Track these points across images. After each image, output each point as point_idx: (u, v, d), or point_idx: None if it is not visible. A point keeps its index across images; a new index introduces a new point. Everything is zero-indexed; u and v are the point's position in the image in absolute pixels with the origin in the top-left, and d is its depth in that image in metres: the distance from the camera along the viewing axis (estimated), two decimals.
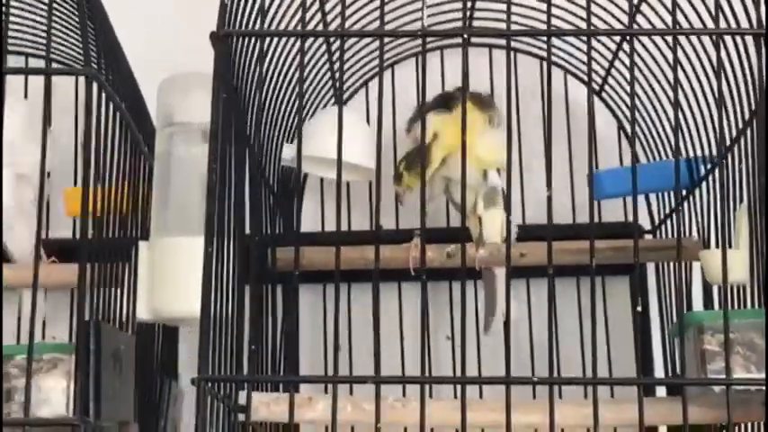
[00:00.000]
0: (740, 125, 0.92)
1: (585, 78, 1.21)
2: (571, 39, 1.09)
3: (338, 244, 0.78)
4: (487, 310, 1.11)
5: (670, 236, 1.14)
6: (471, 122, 1.00)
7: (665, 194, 1.15)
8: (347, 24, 1.08)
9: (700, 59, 0.97)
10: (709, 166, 1.02)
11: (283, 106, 1.05)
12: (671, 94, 1.05)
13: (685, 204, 1.08)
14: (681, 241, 0.77)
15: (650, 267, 1.18)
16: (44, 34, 1.14)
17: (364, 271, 1.04)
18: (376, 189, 0.78)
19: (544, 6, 0.81)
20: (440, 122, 1.00)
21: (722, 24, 0.81)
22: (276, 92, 1.01)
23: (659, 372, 1.13)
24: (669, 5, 0.89)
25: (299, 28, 0.78)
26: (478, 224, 1.06)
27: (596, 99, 1.23)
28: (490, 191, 1.05)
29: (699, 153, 1.05)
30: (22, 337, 1.06)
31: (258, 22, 0.79)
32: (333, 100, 1.21)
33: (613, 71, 1.17)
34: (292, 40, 0.92)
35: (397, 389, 0.87)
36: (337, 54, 1.10)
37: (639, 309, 0.73)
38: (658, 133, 1.14)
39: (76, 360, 0.74)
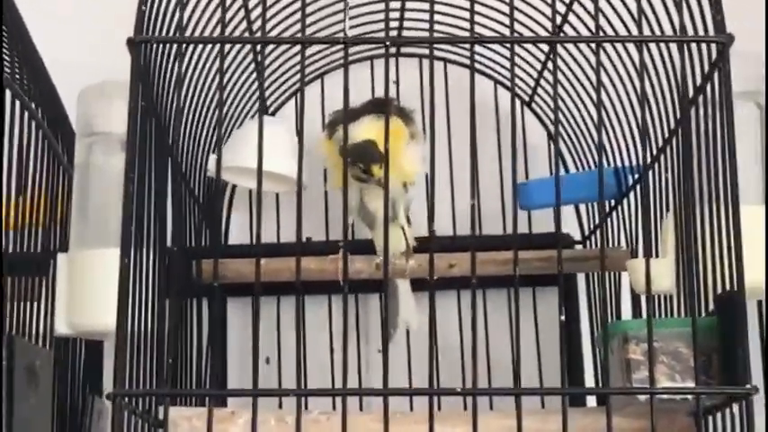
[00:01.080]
0: (666, 134, 0.91)
1: (516, 89, 1.21)
2: (497, 47, 1.09)
3: (258, 257, 0.76)
4: (390, 323, 1.10)
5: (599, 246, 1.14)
6: (398, 134, 1.00)
7: (595, 204, 1.15)
8: (274, 33, 1.07)
9: (625, 66, 0.97)
10: (636, 176, 1.02)
11: (209, 116, 1.04)
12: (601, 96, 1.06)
13: (614, 214, 1.09)
14: (604, 251, 0.76)
15: (580, 278, 1.18)
16: None
17: (293, 283, 1.04)
18: (297, 200, 0.76)
19: (468, 15, 0.80)
20: (375, 128, 0.97)
21: (646, 31, 0.81)
22: (201, 101, 0.99)
23: (590, 382, 1.13)
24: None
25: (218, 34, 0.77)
26: (403, 235, 1.05)
27: (526, 110, 1.23)
28: (407, 204, 1.05)
29: (627, 163, 1.05)
30: None
31: (177, 28, 0.77)
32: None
33: (542, 82, 1.16)
34: (218, 46, 0.91)
35: (327, 402, 0.86)
36: (267, 64, 1.10)
37: (563, 318, 0.72)
38: (587, 143, 1.14)
39: None
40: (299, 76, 1.20)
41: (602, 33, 0.78)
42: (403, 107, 1.04)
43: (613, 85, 1.00)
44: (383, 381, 0.73)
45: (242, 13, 0.98)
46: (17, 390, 0.75)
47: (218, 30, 0.87)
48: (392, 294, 1.10)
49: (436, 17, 1.09)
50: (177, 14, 0.78)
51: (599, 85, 0.76)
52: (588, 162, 1.16)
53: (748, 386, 0.70)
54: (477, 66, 1.19)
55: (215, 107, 1.03)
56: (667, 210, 0.91)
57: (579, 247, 1.19)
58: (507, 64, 1.17)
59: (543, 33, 1.06)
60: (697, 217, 0.80)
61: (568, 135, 1.17)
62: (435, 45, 1.09)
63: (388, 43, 0.74)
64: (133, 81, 0.74)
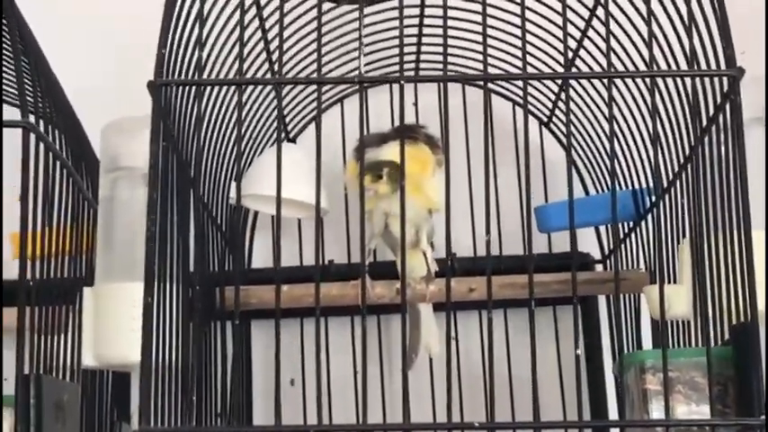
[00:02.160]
0: (681, 160, 0.92)
1: (535, 111, 1.22)
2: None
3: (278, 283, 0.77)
4: (410, 348, 1.11)
5: (620, 266, 1.14)
6: (426, 162, 1.01)
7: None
8: (294, 66, 1.09)
9: (642, 94, 0.98)
10: (654, 198, 1.03)
11: (230, 146, 1.05)
12: (616, 128, 1.07)
13: (633, 235, 1.09)
14: (618, 278, 0.79)
15: (601, 300, 1.19)
16: None
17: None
18: (315, 226, 0.78)
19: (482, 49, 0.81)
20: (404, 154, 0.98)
21: (659, 58, 0.82)
22: (222, 132, 1.01)
23: (613, 407, 1.13)
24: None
25: (237, 76, 0.78)
26: (424, 259, 1.06)
27: (545, 130, 1.24)
28: (430, 229, 1.06)
29: (644, 185, 1.06)
30: None
31: (196, 69, 0.79)
32: (283, 136, 1.21)
33: (560, 103, 1.17)
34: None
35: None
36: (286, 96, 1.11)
37: (579, 352, 0.73)
38: (605, 164, 1.15)
39: (16, 416, 0.74)
40: (316, 102, 1.23)
41: (613, 69, 0.78)
42: (431, 135, 1.05)
43: (630, 111, 1.01)
44: (403, 413, 0.74)
45: (261, 45, 1.00)
46: (45, 426, 0.77)
47: (237, 66, 0.89)
48: (414, 319, 1.11)
49: (451, 46, 1.12)
50: (196, 55, 0.80)
51: (611, 117, 0.77)
52: (608, 183, 1.16)
53: (763, 417, 0.71)
54: (493, 87, 1.20)
55: (235, 139, 1.05)
56: (683, 235, 0.91)
57: (599, 267, 1.20)
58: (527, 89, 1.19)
59: (559, 56, 1.08)
60: (711, 244, 0.81)
61: (587, 156, 1.18)
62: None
63: (402, 82, 0.75)
64: (154, 122, 0.76)
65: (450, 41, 1.10)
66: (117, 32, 1.25)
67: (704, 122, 0.83)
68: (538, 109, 1.22)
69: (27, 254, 0.78)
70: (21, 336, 0.76)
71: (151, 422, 0.73)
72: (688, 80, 0.83)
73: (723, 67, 0.77)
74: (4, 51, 0.89)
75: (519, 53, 1.07)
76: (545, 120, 1.23)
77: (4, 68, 1.03)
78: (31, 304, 0.78)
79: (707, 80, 0.81)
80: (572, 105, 1.14)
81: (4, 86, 1.13)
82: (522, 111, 0.78)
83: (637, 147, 1.04)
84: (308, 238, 1.21)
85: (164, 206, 0.79)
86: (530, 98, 1.21)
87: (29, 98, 0.80)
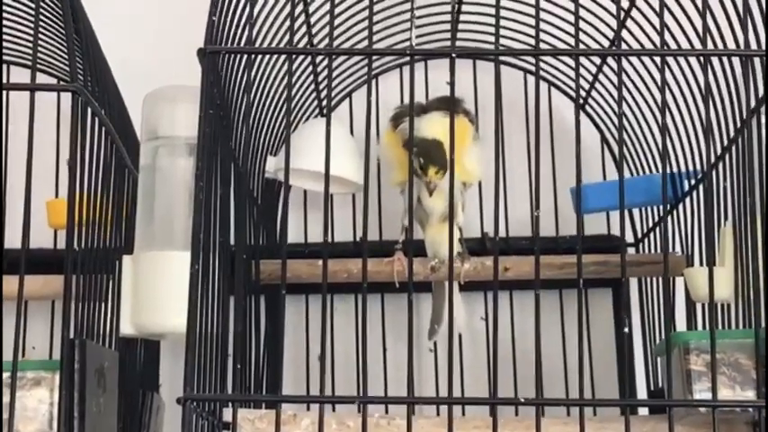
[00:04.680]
0: (725, 142, 0.92)
1: (570, 92, 1.21)
2: None
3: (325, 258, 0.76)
4: (434, 318, 1.11)
5: (653, 250, 1.14)
6: (464, 134, 1.00)
7: (649, 207, 1.16)
8: (335, 37, 1.08)
9: (686, 77, 0.98)
10: (693, 182, 1.03)
11: (267, 118, 1.05)
12: (656, 109, 1.06)
13: (669, 219, 1.09)
14: (667, 260, 0.76)
15: (633, 282, 1.18)
16: (25, 42, 1.15)
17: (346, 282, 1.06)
18: (364, 204, 0.77)
19: (532, 22, 0.81)
20: (441, 126, 0.95)
21: (709, 44, 0.81)
22: (261, 104, 1.01)
23: (641, 386, 1.13)
24: (656, 23, 0.90)
25: (286, 45, 0.78)
26: (460, 234, 1.05)
27: (580, 112, 1.23)
28: (463, 204, 1.06)
29: (683, 168, 1.05)
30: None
31: (245, 38, 0.79)
32: (317, 111, 1.21)
33: (597, 84, 1.17)
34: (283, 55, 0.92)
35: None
36: (323, 70, 1.10)
37: (627, 330, 0.72)
38: (642, 147, 1.14)
39: (61, 380, 0.74)
40: (352, 77, 1.23)
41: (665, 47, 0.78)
42: (468, 109, 1.04)
43: (673, 96, 1.01)
44: (448, 389, 0.74)
45: (303, 24, 1.00)
46: (89, 390, 0.77)
47: (281, 38, 0.89)
48: (439, 292, 1.10)
49: (485, 23, 1.12)
50: (246, 24, 0.79)
51: (664, 105, 0.77)
52: (644, 165, 1.16)
53: None
54: (528, 67, 1.20)
55: (275, 111, 1.04)
56: (725, 218, 0.91)
57: (632, 250, 1.19)
58: (561, 66, 1.19)
59: (599, 37, 1.07)
60: (757, 226, 0.81)
61: (624, 141, 1.17)
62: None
63: (454, 55, 0.75)
64: (204, 91, 0.75)
65: (489, 19, 1.12)
66: (161, 3, 1.25)
67: (753, 103, 0.82)
68: (574, 90, 1.21)
69: (75, 221, 0.77)
70: (67, 302, 0.76)
71: (195, 389, 0.73)
72: (736, 60, 0.83)
73: None
74: (58, 25, 0.88)
75: (564, 35, 1.09)
76: (581, 102, 1.22)
77: (54, 43, 1.04)
78: (76, 272, 0.78)
79: (757, 60, 0.80)
80: (609, 86, 1.14)
81: (50, 59, 1.14)
82: (575, 81, 0.77)
83: (677, 129, 1.04)
84: (339, 214, 1.21)
85: (209, 175, 0.79)
86: (565, 78, 1.21)
87: (79, 65, 0.80)
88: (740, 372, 0.78)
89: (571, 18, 1.03)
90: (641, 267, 1.08)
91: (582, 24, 1.05)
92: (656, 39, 0.95)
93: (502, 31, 1.10)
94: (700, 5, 0.81)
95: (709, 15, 0.85)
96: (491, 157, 1.12)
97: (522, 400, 0.72)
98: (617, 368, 1.17)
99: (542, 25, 1.07)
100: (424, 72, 1.21)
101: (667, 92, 0.99)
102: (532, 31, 1.09)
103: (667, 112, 1.02)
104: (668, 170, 1.06)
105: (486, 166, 1.04)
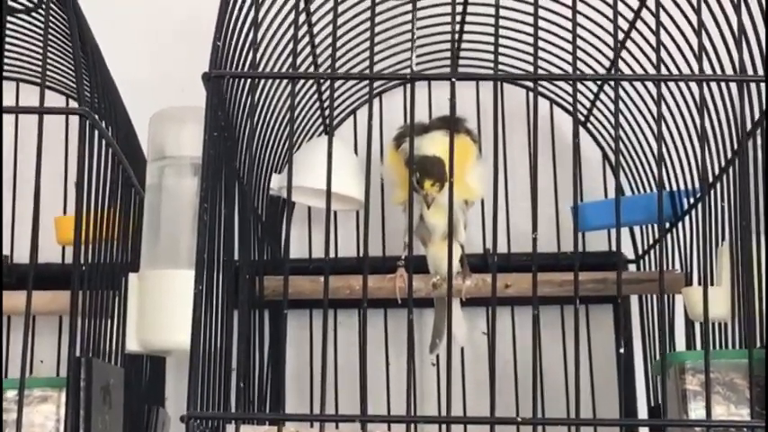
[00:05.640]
0: (722, 163, 0.93)
1: (571, 109, 1.23)
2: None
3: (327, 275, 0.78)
4: (435, 333, 1.13)
5: (653, 267, 1.15)
6: (467, 152, 1.02)
7: (649, 225, 1.17)
8: (338, 61, 1.10)
9: (684, 97, 0.99)
10: (692, 200, 1.04)
11: (273, 137, 1.06)
12: (655, 128, 1.08)
13: (669, 237, 1.10)
14: (663, 278, 0.78)
15: (633, 299, 1.20)
16: (34, 59, 1.17)
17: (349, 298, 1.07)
18: (365, 220, 0.78)
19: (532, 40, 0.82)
20: (443, 144, 0.94)
21: (706, 66, 0.83)
22: (266, 123, 1.02)
23: (642, 405, 1.14)
24: (654, 45, 0.92)
25: (290, 70, 0.80)
26: (460, 251, 1.07)
27: (581, 129, 1.24)
28: (465, 221, 1.07)
29: (682, 186, 1.06)
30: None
31: (249, 62, 0.80)
32: (320, 129, 1.23)
33: (598, 103, 1.18)
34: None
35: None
36: (327, 89, 1.12)
37: (622, 350, 0.73)
38: (642, 165, 1.16)
39: (67, 398, 0.75)
40: (355, 95, 1.24)
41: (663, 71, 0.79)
42: (470, 129, 1.06)
43: (671, 113, 1.02)
44: (446, 408, 0.75)
45: (306, 39, 1.01)
46: (94, 407, 0.78)
47: (284, 62, 0.90)
48: (441, 308, 1.12)
49: (491, 44, 1.13)
50: (250, 48, 0.81)
51: (659, 118, 0.78)
52: (644, 184, 1.17)
53: None
54: (530, 85, 1.21)
55: (279, 130, 1.06)
56: (722, 238, 0.92)
57: (633, 267, 1.21)
58: (563, 84, 1.20)
59: (599, 57, 1.09)
60: (753, 247, 0.82)
61: (624, 158, 1.18)
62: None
63: (454, 80, 0.76)
64: (208, 114, 0.77)
65: (490, 39, 1.13)
66: (167, 25, 1.27)
67: (748, 127, 0.83)
68: (576, 109, 1.23)
69: (81, 239, 0.79)
70: (74, 319, 0.77)
71: (198, 407, 0.74)
72: (733, 84, 0.84)
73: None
74: (65, 43, 0.90)
75: (563, 53, 1.10)
76: (582, 119, 1.23)
77: (62, 60, 1.05)
78: (83, 288, 0.80)
79: (753, 85, 0.82)
80: (610, 105, 1.15)
81: (57, 76, 1.15)
82: (572, 105, 0.78)
83: (676, 148, 1.05)
84: (342, 230, 1.23)
85: (213, 196, 0.80)
86: (567, 96, 1.22)
87: (86, 86, 0.82)
88: (735, 391, 0.79)
89: (581, 43, 1.05)
90: (640, 285, 1.09)
91: (584, 45, 1.08)
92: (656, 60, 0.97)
93: (504, 50, 1.13)
94: (697, 28, 0.82)
95: (706, 38, 0.87)
96: (489, 176, 1.14)
97: (520, 420, 0.73)
98: (617, 386, 1.18)
99: (543, 45, 1.10)
100: (428, 91, 1.23)
101: (666, 111, 1.02)
102: (549, 56, 1.11)
103: (667, 132, 1.04)
104: (668, 189, 1.08)
105: (488, 183, 1.06)
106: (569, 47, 1.07)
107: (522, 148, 1.22)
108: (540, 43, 1.09)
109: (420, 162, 0.98)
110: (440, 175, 0.98)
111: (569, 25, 1.00)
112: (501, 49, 1.13)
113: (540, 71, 1.09)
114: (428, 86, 1.23)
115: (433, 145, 0.99)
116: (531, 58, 1.12)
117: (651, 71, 0.99)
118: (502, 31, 1.08)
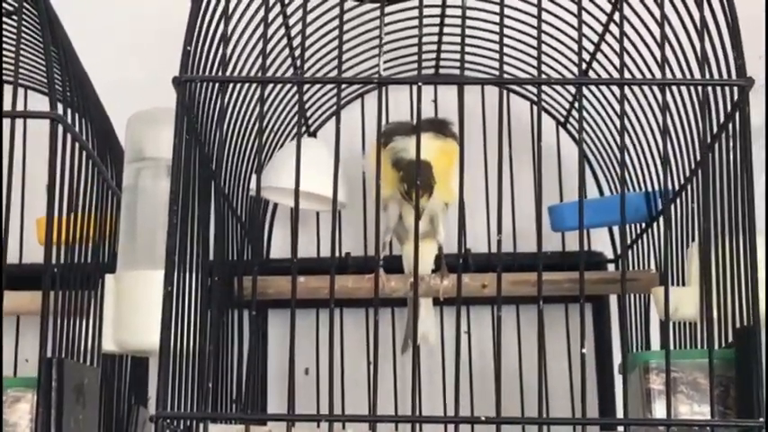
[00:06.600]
0: (693, 164, 0.94)
1: (551, 110, 1.24)
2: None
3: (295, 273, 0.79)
4: (407, 333, 1.13)
5: (631, 266, 1.16)
6: (453, 155, 1.03)
7: (629, 225, 1.18)
8: (316, 62, 1.11)
9: (653, 97, 1.00)
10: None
11: (251, 140, 1.07)
12: (632, 132, 1.08)
13: (645, 236, 1.11)
14: (624, 280, 0.79)
15: (612, 299, 1.20)
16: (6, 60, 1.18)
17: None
18: (332, 222, 0.80)
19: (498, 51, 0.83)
20: (431, 147, 1.00)
21: (676, 70, 0.84)
22: (244, 126, 1.03)
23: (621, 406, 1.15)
24: (630, 50, 0.93)
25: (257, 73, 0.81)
26: (437, 251, 1.08)
27: (561, 130, 1.25)
28: (445, 223, 1.08)
29: (657, 187, 1.07)
30: None
31: (220, 66, 0.81)
32: (303, 129, 1.24)
33: (577, 104, 1.19)
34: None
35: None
36: (307, 91, 1.13)
37: (584, 351, 0.75)
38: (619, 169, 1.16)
39: (38, 398, 0.76)
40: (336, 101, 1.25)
41: (627, 75, 0.80)
42: (455, 132, 1.07)
43: (644, 114, 1.03)
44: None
45: (284, 42, 1.02)
46: (66, 407, 0.79)
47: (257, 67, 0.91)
48: (412, 306, 1.12)
49: (471, 45, 1.14)
50: (220, 51, 0.82)
51: (623, 128, 0.79)
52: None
53: (762, 419, 0.73)
54: (512, 87, 1.22)
55: (257, 133, 1.07)
56: (693, 239, 0.93)
57: (611, 267, 1.21)
58: (545, 88, 1.21)
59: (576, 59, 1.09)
60: (718, 248, 0.83)
61: (602, 157, 1.19)
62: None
63: (420, 84, 0.77)
64: (178, 118, 0.78)
65: (470, 41, 1.14)
66: (145, 26, 1.28)
67: (714, 130, 0.84)
68: (555, 109, 1.24)
69: (53, 240, 0.80)
70: (45, 319, 0.78)
71: (168, 407, 0.76)
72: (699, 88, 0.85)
73: (734, 76, 0.79)
74: (37, 44, 0.91)
75: (536, 55, 1.11)
76: (562, 120, 1.24)
77: (35, 60, 1.06)
78: (55, 289, 0.81)
79: (718, 88, 0.83)
80: (588, 107, 1.16)
81: (35, 76, 1.16)
82: (542, 101, 0.79)
83: (650, 149, 1.06)
84: (325, 230, 1.24)
85: (186, 198, 0.81)
86: (547, 98, 1.23)
87: (58, 88, 0.83)
88: (698, 390, 0.80)
89: (546, 40, 1.06)
90: (615, 284, 1.10)
91: (561, 48, 1.08)
92: (630, 64, 0.98)
93: (478, 51, 1.13)
94: (669, 33, 0.83)
95: (675, 43, 0.88)
96: (474, 176, 1.15)
97: (483, 419, 0.74)
98: (596, 385, 1.19)
99: (525, 51, 1.10)
100: (409, 92, 1.24)
101: (641, 113, 1.03)
102: (527, 57, 1.12)
103: (641, 133, 1.05)
104: (644, 189, 1.09)
105: (470, 185, 1.07)
106: (550, 51, 1.09)
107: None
108: (519, 45, 1.11)
109: (407, 170, 1.00)
110: (428, 184, 1.00)
111: (546, 28, 1.02)
112: (481, 52, 1.14)
113: (530, 74, 1.11)
114: (409, 89, 1.23)
115: (422, 148, 1.00)
116: (508, 60, 1.13)
117: (626, 75, 1.00)
118: (479, 34, 1.11)
